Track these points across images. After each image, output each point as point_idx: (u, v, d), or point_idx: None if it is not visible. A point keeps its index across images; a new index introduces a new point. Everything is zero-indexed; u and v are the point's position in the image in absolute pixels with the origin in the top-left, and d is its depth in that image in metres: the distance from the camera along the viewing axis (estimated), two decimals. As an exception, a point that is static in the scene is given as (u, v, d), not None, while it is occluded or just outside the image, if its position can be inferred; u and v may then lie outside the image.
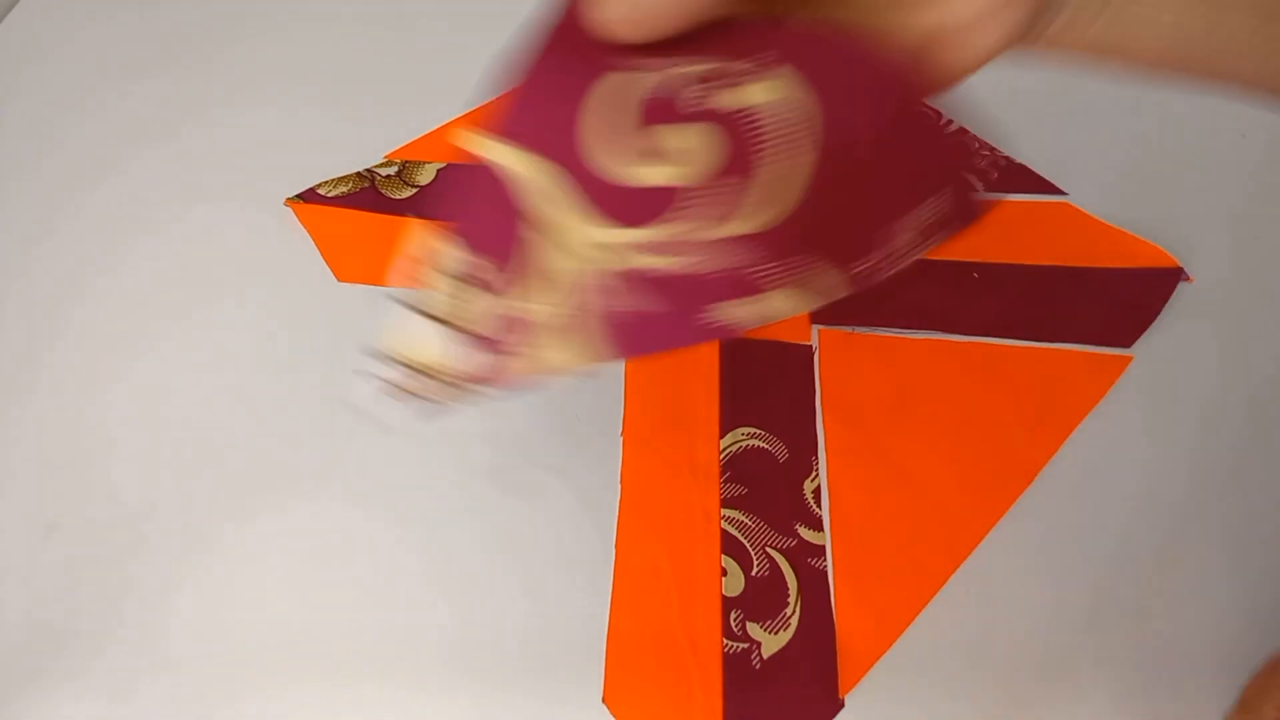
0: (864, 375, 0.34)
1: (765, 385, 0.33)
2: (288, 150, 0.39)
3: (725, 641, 0.28)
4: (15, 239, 0.39)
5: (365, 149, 0.39)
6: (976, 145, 0.38)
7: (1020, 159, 0.38)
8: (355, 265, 0.36)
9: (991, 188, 0.38)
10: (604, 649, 0.29)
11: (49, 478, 0.33)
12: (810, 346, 0.34)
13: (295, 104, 0.42)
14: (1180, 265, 0.36)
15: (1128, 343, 0.34)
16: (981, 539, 0.30)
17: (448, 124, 0.40)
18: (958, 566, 0.29)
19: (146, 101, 0.43)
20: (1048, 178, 0.38)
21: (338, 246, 0.36)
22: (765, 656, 0.28)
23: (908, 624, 0.28)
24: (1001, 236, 0.36)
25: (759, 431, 0.32)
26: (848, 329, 0.35)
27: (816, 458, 0.32)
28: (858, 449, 0.32)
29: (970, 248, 0.36)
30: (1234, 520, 0.30)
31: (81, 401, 0.34)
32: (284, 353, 0.35)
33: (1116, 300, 0.35)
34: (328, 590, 0.30)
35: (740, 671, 0.28)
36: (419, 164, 0.39)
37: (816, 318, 0.35)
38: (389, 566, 0.30)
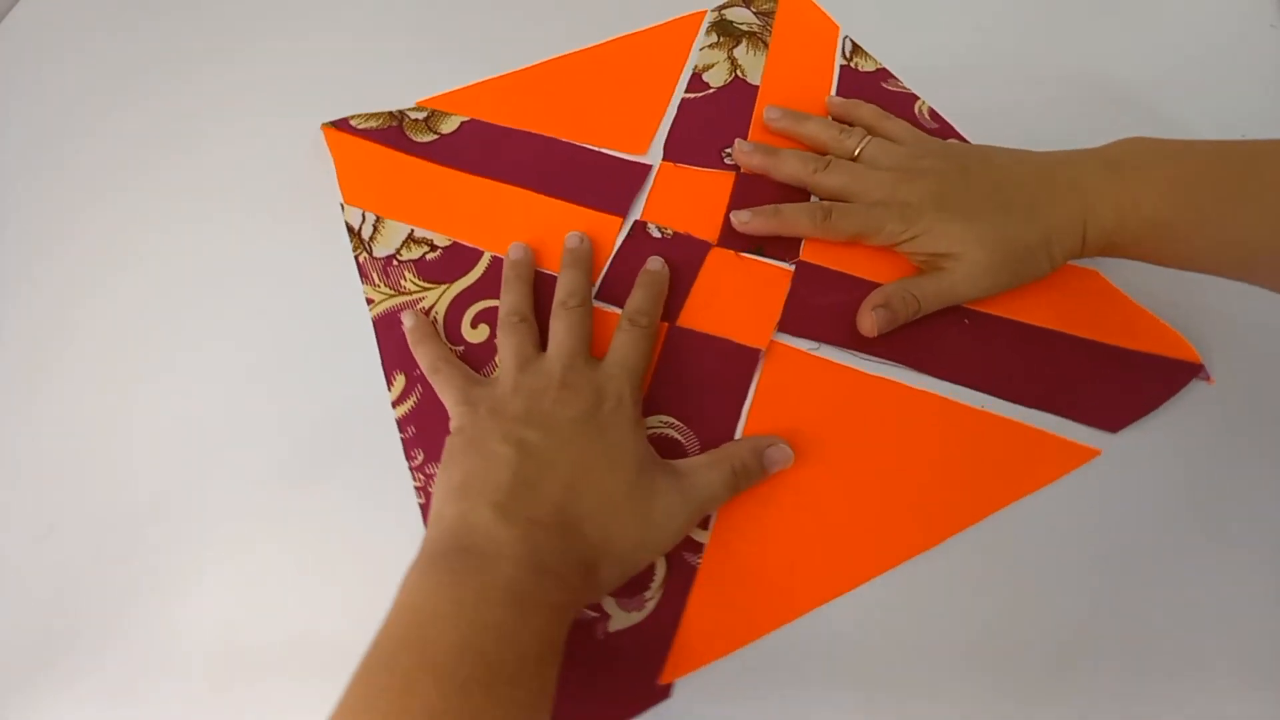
0: (802, 395, 0.33)
1: (701, 380, 0.34)
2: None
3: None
4: (14, 237, 0.40)
5: (402, 93, 0.42)
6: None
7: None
8: (364, 192, 0.39)
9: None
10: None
11: (49, 478, 0.33)
12: (760, 352, 0.34)
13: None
14: (1202, 363, 0.33)
15: (1114, 427, 0.32)
16: (856, 585, 0.29)
17: (479, 83, 0.43)
18: (821, 602, 0.29)
19: (151, 101, 0.44)
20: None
21: (354, 173, 0.40)
22: (610, 630, 0.29)
23: (751, 639, 0.28)
24: (1012, 291, 0.34)
25: (675, 422, 0.33)
26: (810, 345, 0.34)
27: (726, 461, 0.32)
28: (767, 461, 0.32)
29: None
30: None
31: (81, 400, 0.35)
32: (284, 357, 0.35)
33: (1117, 380, 0.33)
34: (332, 588, 0.30)
35: (581, 637, 0.28)
36: (445, 114, 0.42)
37: (784, 325, 0.35)
38: (396, 564, 0.27)
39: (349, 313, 0.36)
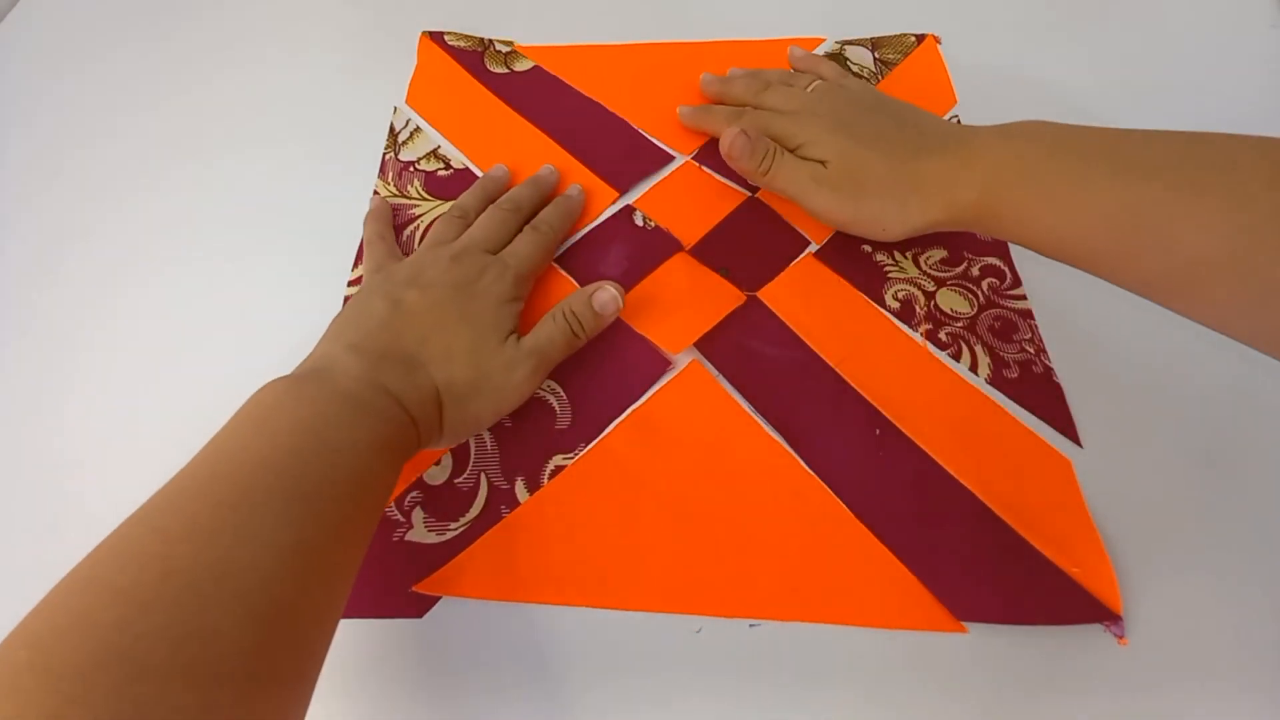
0: (694, 419, 0.33)
1: (605, 368, 0.34)
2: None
3: (391, 506, 0.31)
4: (15, 237, 0.40)
5: (498, 29, 0.46)
6: (1030, 333, 0.34)
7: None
8: (423, 99, 0.43)
9: (1003, 388, 0.33)
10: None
11: (49, 478, 0.33)
12: (670, 363, 0.34)
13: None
14: (1121, 617, 0.27)
15: (964, 617, 0.28)
16: (630, 609, 0.29)
17: (564, 46, 0.45)
18: (586, 604, 0.29)
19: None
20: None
21: (426, 81, 0.44)
22: (405, 538, 0.31)
23: (505, 598, 0.29)
24: (958, 433, 0.31)
25: (560, 392, 0.33)
26: (713, 370, 0.33)
27: (586, 445, 0.32)
28: (619, 461, 0.32)
29: (908, 415, 0.32)
30: None
31: (82, 399, 0.35)
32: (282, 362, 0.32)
33: (1003, 573, 0.28)
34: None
35: (379, 534, 0.31)
36: (521, 55, 0.44)
37: (702, 344, 0.34)
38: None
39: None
